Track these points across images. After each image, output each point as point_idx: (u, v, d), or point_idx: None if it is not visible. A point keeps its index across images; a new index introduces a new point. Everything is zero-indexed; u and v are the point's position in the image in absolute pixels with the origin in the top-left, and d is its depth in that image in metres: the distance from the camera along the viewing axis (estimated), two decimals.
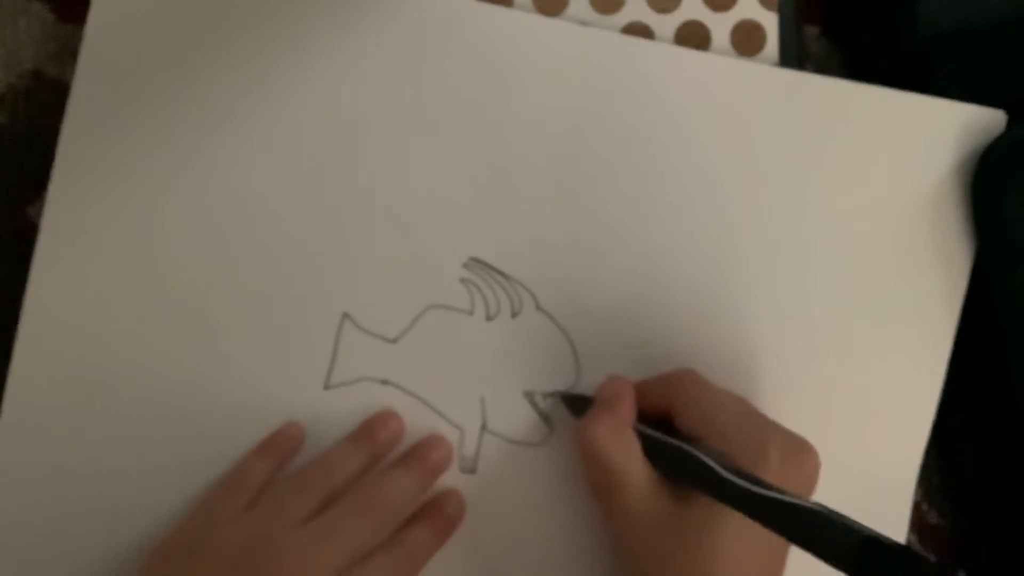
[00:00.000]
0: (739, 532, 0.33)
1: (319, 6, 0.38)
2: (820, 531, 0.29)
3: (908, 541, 0.42)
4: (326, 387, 0.38)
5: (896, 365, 0.40)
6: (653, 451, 0.35)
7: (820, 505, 0.30)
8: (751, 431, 0.35)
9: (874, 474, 0.40)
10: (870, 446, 0.40)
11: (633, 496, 0.34)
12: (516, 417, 0.39)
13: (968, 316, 0.40)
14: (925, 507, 0.43)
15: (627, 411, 0.36)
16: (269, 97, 0.38)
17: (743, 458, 0.33)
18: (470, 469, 0.39)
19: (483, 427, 0.39)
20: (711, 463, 0.33)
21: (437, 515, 0.37)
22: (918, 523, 0.43)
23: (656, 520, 0.34)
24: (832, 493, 0.34)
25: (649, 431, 0.35)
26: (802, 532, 0.30)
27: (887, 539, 0.28)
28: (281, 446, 0.38)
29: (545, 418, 0.39)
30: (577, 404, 0.38)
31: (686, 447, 0.34)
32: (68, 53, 0.39)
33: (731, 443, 0.34)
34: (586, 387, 0.39)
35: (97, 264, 0.38)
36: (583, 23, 0.40)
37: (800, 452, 0.34)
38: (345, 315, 0.38)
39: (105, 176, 0.37)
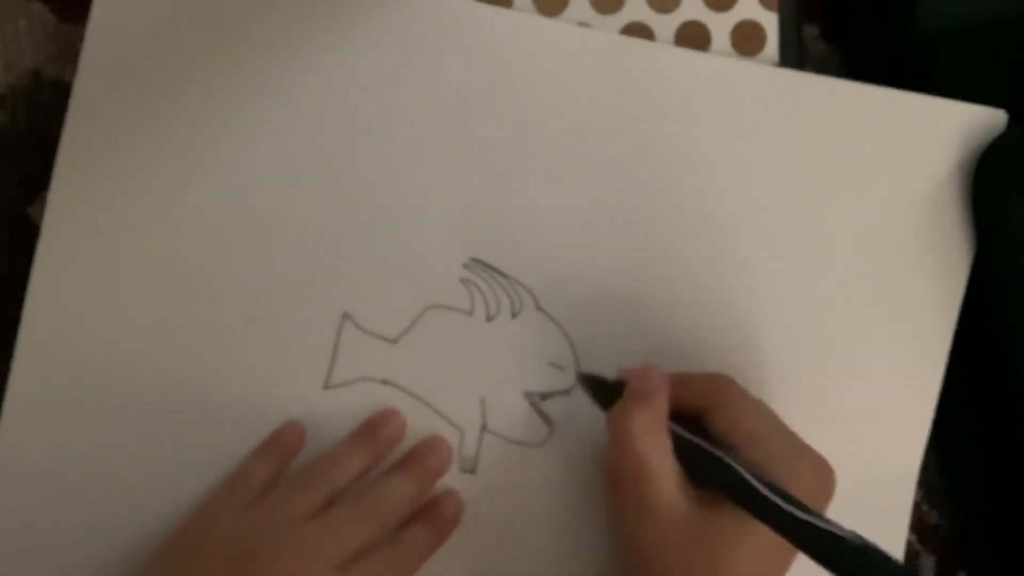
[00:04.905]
0: (761, 545, 0.33)
1: (320, 7, 0.38)
2: (865, 567, 0.29)
3: (908, 541, 0.42)
4: (326, 387, 0.38)
5: (895, 365, 0.40)
6: (683, 452, 0.34)
7: (865, 540, 0.30)
8: (785, 445, 0.35)
9: (874, 474, 0.40)
10: (870, 446, 0.40)
11: (658, 491, 0.34)
12: (516, 417, 0.39)
13: (967, 316, 0.40)
14: (925, 507, 0.43)
15: (663, 406, 0.35)
16: (269, 97, 0.38)
17: (775, 470, 0.33)
18: (470, 469, 0.39)
19: (483, 427, 0.39)
20: (747, 476, 0.33)
21: (435, 515, 0.37)
22: (918, 523, 0.42)
23: (676, 520, 0.33)
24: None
25: (684, 432, 0.35)
26: (843, 564, 0.30)
27: None
28: (283, 445, 0.38)
29: (545, 418, 0.39)
30: (600, 387, 0.37)
31: (720, 454, 0.34)
32: (68, 53, 0.39)
33: (763, 454, 0.34)
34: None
35: (98, 264, 0.38)
36: (583, 23, 0.40)
37: (825, 472, 0.35)
38: (345, 315, 0.38)
39: (106, 176, 0.37)
